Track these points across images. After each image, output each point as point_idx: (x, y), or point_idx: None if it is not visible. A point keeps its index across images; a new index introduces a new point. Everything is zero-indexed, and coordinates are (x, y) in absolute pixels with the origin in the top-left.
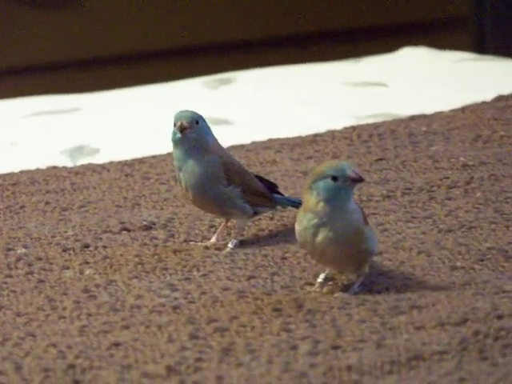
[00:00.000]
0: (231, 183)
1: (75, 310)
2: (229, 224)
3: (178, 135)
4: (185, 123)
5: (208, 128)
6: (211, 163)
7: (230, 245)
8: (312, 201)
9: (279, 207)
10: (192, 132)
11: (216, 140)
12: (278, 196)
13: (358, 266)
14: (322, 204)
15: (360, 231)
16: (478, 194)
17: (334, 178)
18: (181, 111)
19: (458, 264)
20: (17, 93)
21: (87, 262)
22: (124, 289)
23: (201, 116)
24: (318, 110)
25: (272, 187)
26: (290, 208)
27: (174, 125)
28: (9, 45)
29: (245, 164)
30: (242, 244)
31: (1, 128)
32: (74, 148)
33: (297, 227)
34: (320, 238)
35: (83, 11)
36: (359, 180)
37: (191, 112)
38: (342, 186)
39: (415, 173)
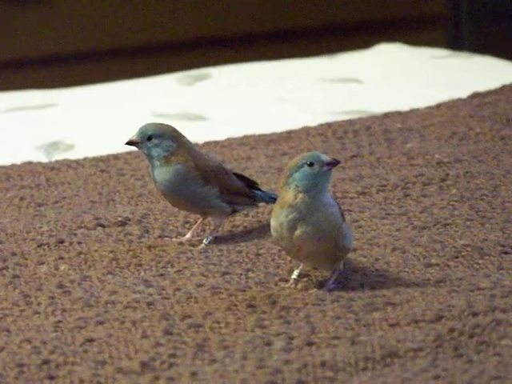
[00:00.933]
0: (208, 184)
1: (50, 306)
2: (205, 221)
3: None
4: (134, 138)
5: (164, 145)
6: (177, 172)
7: (204, 241)
8: (290, 195)
9: (260, 204)
10: (142, 147)
11: (182, 146)
12: (259, 192)
13: (333, 263)
14: (301, 195)
15: (338, 226)
16: (453, 191)
17: (310, 164)
18: (146, 124)
19: (433, 261)
20: None
21: (62, 258)
22: (98, 284)
23: (160, 132)
24: (292, 106)
25: (252, 184)
26: (271, 204)
27: None
28: None
29: (220, 160)
30: (216, 240)
31: None
32: (49, 143)
33: (272, 223)
34: (298, 232)
35: (59, 7)
36: (335, 163)
37: (149, 126)
38: (319, 171)
39: (390, 170)
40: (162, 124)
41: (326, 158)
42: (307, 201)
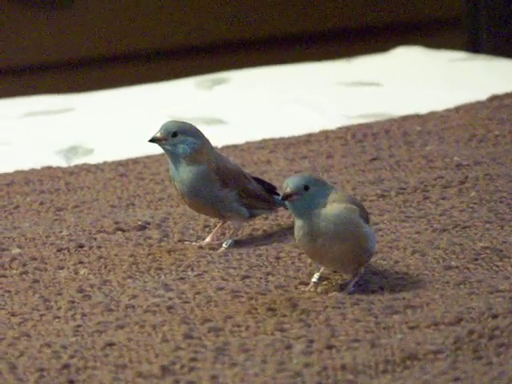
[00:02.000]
0: (226, 187)
1: (70, 310)
2: (224, 225)
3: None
4: (158, 135)
5: (189, 141)
6: (200, 171)
7: (224, 244)
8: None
9: (280, 209)
10: (166, 144)
11: (206, 145)
12: (278, 197)
13: (357, 267)
14: (297, 219)
15: (356, 224)
16: (473, 194)
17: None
18: (168, 121)
19: (453, 263)
20: (11, 93)
21: (82, 262)
22: (118, 289)
23: (185, 128)
24: (311, 109)
25: (271, 189)
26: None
27: None
28: (2, 45)
29: (239, 164)
30: (236, 244)
31: None
32: (69, 148)
33: (295, 233)
34: (319, 242)
35: (78, 11)
36: (286, 198)
37: (173, 123)
38: (294, 201)
39: (409, 172)
40: (184, 122)
41: (285, 190)
42: (302, 221)
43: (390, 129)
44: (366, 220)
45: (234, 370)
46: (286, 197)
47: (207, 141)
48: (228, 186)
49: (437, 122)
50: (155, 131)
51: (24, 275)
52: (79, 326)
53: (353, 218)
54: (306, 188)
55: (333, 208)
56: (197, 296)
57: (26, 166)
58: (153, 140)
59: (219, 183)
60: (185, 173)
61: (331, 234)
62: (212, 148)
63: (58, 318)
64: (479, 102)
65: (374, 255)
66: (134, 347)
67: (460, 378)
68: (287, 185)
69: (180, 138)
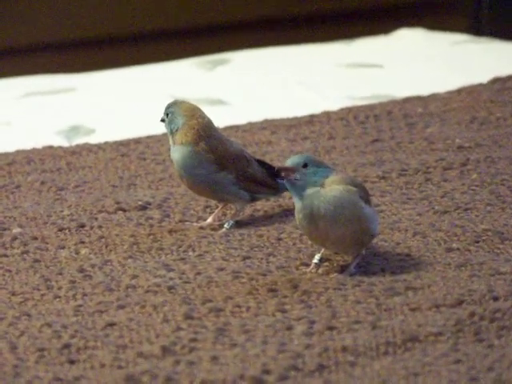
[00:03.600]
0: (223, 169)
1: (71, 290)
2: (226, 206)
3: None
4: (163, 115)
5: (173, 118)
6: (197, 154)
7: (225, 225)
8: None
9: (284, 193)
10: (166, 123)
11: (196, 125)
12: (282, 181)
13: (359, 248)
14: (296, 203)
15: (355, 204)
16: (474, 176)
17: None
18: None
19: (454, 245)
20: (12, 73)
21: (83, 242)
22: (119, 269)
23: (174, 107)
24: (313, 91)
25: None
26: None
27: None
28: (3, 25)
29: (241, 145)
30: (237, 225)
31: None
32: (70, 128)
33: (296, 215)
34: (321, 224)
35: None
36: (281, 174)
37: (173, 102)
38: (300, 174)
39: (411, 154)
40: (182, 102)
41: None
42: (301, 204)
43: (391, 110)
44: (368, 201)
45: (235, 351)
46: (283, 170)
47: (204, 121)
48: (225, 168)
49: (438, 104)
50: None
51: (25, 255)
52: (80, 305)
53: (352, 200)
54: (305, 165)
55: (332, 190)
56: (197, 276)
57: (27, 146)
58: (163, 120)
59: (216, 166)
60: (182, 155)
61: (331, 216)
62: (214, 130)
63: (59, 297)
64: (481, 85)
65: (376, 237)
66: (135, 327)
67: (461, 360)
68: (287, 162)
69: (169, 117)
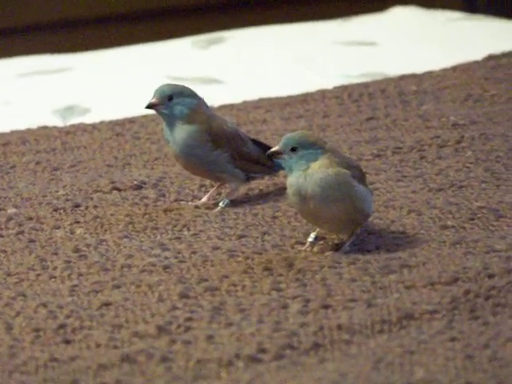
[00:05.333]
0: (218, 148)
1: (66, 270)
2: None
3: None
4: (154, 100)
5: (186, 102)
6: (193, 131)
7: (220, 204)
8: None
9: (281, 172)
10: (163, 108)
11: (201, 106)
12: (278, 161)
13: (352, 228)
14: (288, 178)
15: (347, 184)
16: (469, 153)
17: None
18: (161, 85)
19: (449, 223)
20: (7, 53)
21: (78, 222)
22: (114, 248)
23: (179, 90)
24: (307, 69)
25: None
26: None
27: None
28: None
29: (235, 123)
30: (232, 203)
31: None
32: (65, 108)
33: (287, 189)
34: (311, 203)
35: None
36: (271, 156)
37: (167, 87)
38: (287, 157)
39: (406, 132)
40: (177, 84)
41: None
42: (292, 180)
43: (386, 88)
44: (361, 180)
45: (230, 330)
46: (272, 154)
47: (203, 101)
48: (220, 147)
49: (433, 81)
50: (152, 91)
51: (20, 235)
52: (75, 285)
53: (341, 180)
54: (294, 149)
55: (318, 171)
56: (193, 255)
57: (22, 125)
58: (149, 106)
59: (210, 144)
60: (179, 134)
61: (319, 196)
62: (208, 108)
63: (54, 277)
64: (475, 62)
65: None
66: (130, 307)
67: (456, 337)
68: (282, 140)
69: (176, 101)
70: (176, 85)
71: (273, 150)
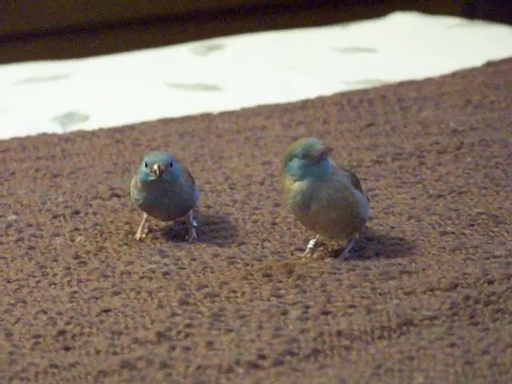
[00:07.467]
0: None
1: (66, 277)
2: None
3: (152, 178)
4: (163, 167)
5: (179, 167)
6: (183, 195)
7: (187, 238)
8: (288, 182)
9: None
10: (167, 175)
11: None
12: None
13: (350, 233)
14: (297, 184)
15: (349, 191)
16: (468, 160)
17: (304, 157)
18: (154, 154)
19: (449, 229)
20: (6, 59)
21: (77, 229)
22: (114, 255)
23: (174, 158)
24: (307, 75)
25: None
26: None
27: (146, 166)
28: None
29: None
30: (231, 210)
31: None
32: (65, 114)
33: (286, 199)
34: (313, 209)
35: None
36: (324, 156)
37: (166, 155)
38: (312, 163)
39: (405, 138)
40: (161, 151)
41: (317, 149)
42: (307, 185)
43: (385, 95)
44: (357, 186)
45: (230, 336)
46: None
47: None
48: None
49: (432, 87)
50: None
51: (20, 242)
52: (75, 292)
53: (345, 183)
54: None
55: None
56: (193, 262)
57: (21, 132)
58: (161, 173)
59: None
60: (171, 199)
61: (325, 201)
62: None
63: (54, 284)
64: (475, 68)
65: (370, 221)
66: (130, 313)
67: (456, 343)
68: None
69: (175, 167)
70: (166, 151)
71: (324, 148)
